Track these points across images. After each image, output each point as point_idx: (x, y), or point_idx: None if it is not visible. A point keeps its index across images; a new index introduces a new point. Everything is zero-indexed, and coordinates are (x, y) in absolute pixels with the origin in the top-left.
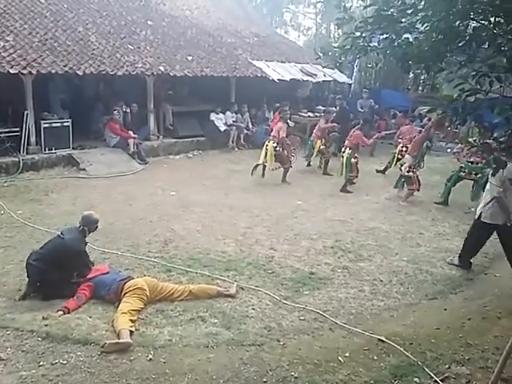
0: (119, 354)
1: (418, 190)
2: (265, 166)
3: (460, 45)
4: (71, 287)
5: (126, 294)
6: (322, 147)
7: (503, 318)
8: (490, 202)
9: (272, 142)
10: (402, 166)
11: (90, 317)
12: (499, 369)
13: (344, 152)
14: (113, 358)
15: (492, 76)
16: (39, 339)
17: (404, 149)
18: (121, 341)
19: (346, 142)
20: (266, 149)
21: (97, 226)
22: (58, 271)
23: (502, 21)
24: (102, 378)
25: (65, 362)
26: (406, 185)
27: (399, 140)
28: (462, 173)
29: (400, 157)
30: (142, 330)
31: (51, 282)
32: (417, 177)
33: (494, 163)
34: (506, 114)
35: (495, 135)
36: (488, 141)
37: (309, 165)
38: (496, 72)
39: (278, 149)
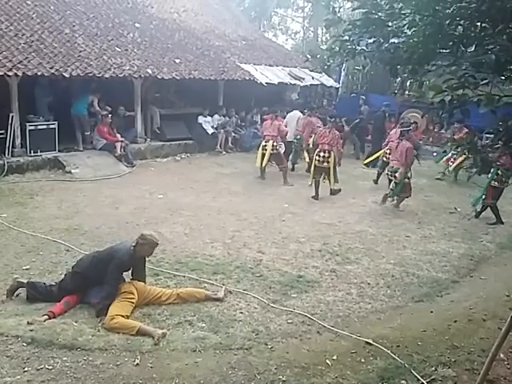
0: (105, 359)
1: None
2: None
3: (447, 47)
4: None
5: None
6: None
7: (488, 320)
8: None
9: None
10: (395, 172)
11: (76, 321)
12: (485, 371)
13: (394, 171)
14: (99, 363)
15: (478, 78)
16: (24, 344)
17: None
18: (155, 332)
19: (394, 160)
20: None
21: (149, 250)
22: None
23: (487, 26)
24: None
25: (50, 367)
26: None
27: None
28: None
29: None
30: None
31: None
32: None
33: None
34: (492, 105)
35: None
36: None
37: (293, 169)
38: (483, 72)
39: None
